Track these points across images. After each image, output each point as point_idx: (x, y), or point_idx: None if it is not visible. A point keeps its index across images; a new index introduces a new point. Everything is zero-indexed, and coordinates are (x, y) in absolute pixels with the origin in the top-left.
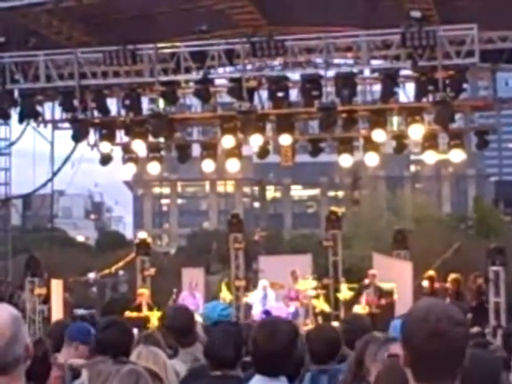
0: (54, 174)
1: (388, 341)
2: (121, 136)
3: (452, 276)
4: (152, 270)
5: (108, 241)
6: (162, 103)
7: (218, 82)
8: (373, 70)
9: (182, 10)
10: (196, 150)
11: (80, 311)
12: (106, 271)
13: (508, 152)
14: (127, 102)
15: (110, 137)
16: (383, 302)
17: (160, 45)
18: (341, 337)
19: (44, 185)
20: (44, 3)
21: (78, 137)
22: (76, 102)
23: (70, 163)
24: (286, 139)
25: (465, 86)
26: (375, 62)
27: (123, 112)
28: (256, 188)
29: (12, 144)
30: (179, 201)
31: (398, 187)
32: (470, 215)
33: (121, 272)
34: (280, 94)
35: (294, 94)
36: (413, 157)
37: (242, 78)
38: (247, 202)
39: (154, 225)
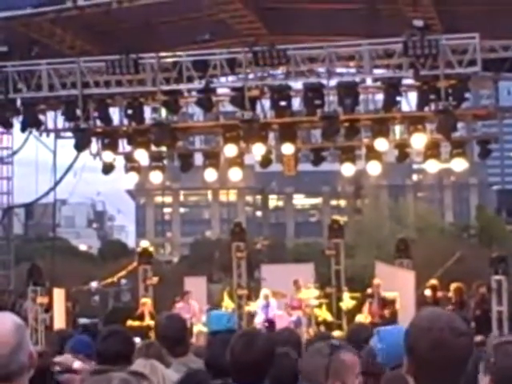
0: (57, 183)
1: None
2: (123, 145)
3: (454, 285)
4: (154, 279)
5: (110, 250)
6: (164, 112)
7: (220, 91)
8: (375, 79)
9: (184, 20)
10: (198, 159)
11: (83, 320)
12: (109, 280)
13: (510, 161)
14: (129, 111)
15: (112, 146)
16: (386, 311)
17: (162, 54)
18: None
19: (46, 194)
20: (47, 12)
21: (81, 146)
22: (78, 111)
23: (73, 172)
24: (288, 148)
25: (467, 95)
26: (377, 71)
27: (125, 121)
28: (258, 197)
29: (14, 153)
30: (181, 210)
31: (401, 196)
32: (473, 224)
33: (123, 281)
34: (282, 103)
35: (296, 103)
36: (415, 166)
37: (244, 87)
38: (250, 211)
39: (157, 234)
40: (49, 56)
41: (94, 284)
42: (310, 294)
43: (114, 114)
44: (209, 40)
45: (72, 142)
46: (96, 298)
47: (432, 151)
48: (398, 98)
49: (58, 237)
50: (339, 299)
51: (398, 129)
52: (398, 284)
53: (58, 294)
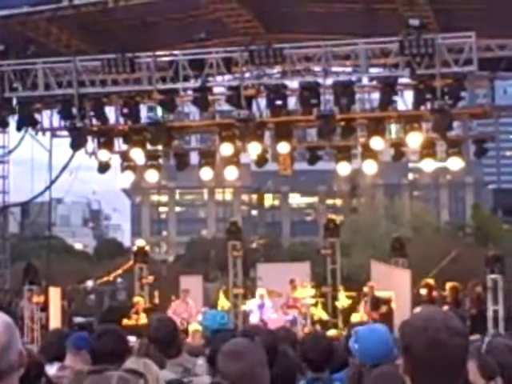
0: (52, 181)
1: None
2: (119, 144)
3: (450, 284)
4: (150, 278)
5: (106, 248)
6: (160, 111)
7: (216, 90)
8: (371, 78)
9: (180, 19)
10: (194, 157)
11: (78, 319)
12: (104, 279)
13: (506, 160)
14: (125, 110)
15: (108, 145)
16: (381, 310)
17: (158, 53)
18: (337, 344)
19: (42, 193)
20: (43, 11)
21: (76, 145)
22: (74, 110)
23: (68, 171)
24: (284, 147)
25: (463, 93)
26: (374, 70)
27: (121, 120)
28: (254, 196)
29: (10, 152)
30: (177, 209)
31: (396, 195)
32: (469, 223)
33: (119, 280)
34: (278, 102)
35: (292, 102)
36: (411, 165)
37: (240, 86)
38: (245, 210)
39: (152, 232)
40: (45, 55)
41: (89, 283)
42: (306, 292)
43: (110, 112)
44: (205, 39)
45: (68, 140)
46: (92, 296)
47: (428, 150)
48: (394, 97)
49: (53, 236)
50: (335, 298)
51: (393, 128)
52: (393, 283)
53: (54, 293)
